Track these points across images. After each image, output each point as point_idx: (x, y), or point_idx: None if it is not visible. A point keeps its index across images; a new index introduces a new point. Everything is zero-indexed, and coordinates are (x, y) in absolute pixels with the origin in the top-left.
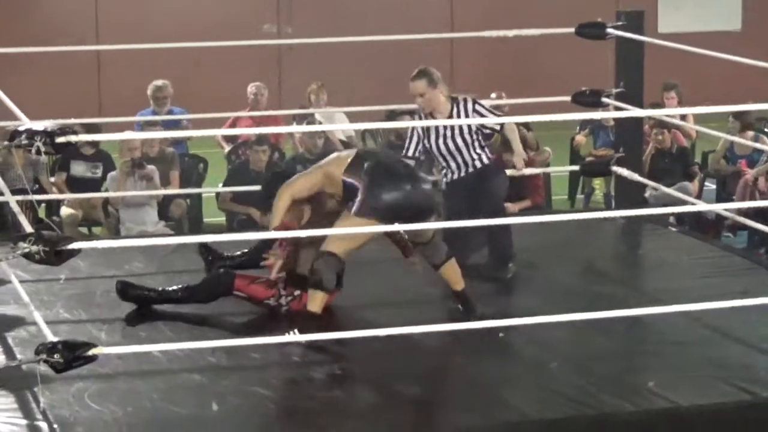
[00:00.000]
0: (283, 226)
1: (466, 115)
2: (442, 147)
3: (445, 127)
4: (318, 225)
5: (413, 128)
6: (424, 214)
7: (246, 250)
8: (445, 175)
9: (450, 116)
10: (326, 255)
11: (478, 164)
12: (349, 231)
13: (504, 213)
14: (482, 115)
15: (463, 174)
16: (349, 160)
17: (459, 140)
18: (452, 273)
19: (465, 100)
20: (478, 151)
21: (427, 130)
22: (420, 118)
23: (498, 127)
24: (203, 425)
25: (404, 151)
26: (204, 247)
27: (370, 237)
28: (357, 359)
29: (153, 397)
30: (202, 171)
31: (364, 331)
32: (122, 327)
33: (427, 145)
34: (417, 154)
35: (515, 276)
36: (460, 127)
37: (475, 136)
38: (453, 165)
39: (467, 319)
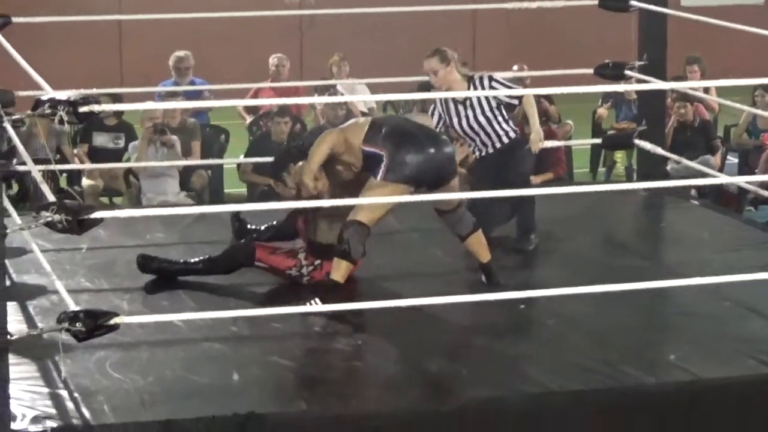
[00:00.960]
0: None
1: (481, 100)
2: (466, 127)
3: (465, 109)
4: (334, 195)
5: (434, 108)
6: (449, 176)
7: (273, 223)
8: (474, 152)
9: (466, 98)
10: (356, 224)
11: (505, 139)
12: (379, 200)
13: (528, 186)
14: (497, 86)
15: (490, 151)
16: (366, 128)
17: (482, 118)
18: (478, 245)
19: (481, 78)
20: (503, 126)
21: (447, 112)
22: (438, 104)
23: (516, 101)
24: (224, 395)
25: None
26: (236, 217)
27: (395, 204)
28: (378, 330)
29: (174, 367)
30: (223, 142)
31: (385, 302)
32: (144, 296)
33: (450, 126)
34: (440, 127)
35: (537, 248)
36: (481, 106)
37: (497, 112)
38: (479, 142)
39: (463, 290)
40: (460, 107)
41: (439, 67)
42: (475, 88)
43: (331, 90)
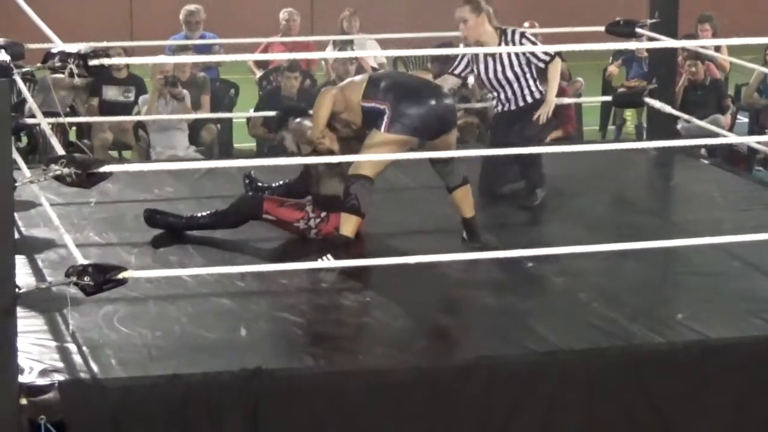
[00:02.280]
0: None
1: (510, 55)
2: (493, 79)
3: (494, 60)
4: (326, 153)
5: (463, 55)
6: (449, 126)
7: (285, 181)
8: (495, 105)
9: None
10: (361, 179)
11: (529, 99)
12: (386, 156)
13: (536, 141)
14: (528, 44)
15: (513, 107)
16: (364, 84)
17: (510, 73)
18: (464, 199)
19: (513, 32)
20: (531, 84)
21: (476, 60)
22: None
23: (546, 58)
24: (232, 350)
25: (451, 69)
26: (248, 178)
27: (402, 158)
28: (386, 286)
29: (182, 321)
30: (233, 96)
31: (393, 259)
32: (152, 251)
33: (475, 73)
34: (464, 75)
35: (546, 206)
36: (510, 61)
37: (526, 68)
38: (503, 96)
39: (469, 248)
40: (489, 58)
41: (470, 16)
42: (506, 43)
43: (341, 45)
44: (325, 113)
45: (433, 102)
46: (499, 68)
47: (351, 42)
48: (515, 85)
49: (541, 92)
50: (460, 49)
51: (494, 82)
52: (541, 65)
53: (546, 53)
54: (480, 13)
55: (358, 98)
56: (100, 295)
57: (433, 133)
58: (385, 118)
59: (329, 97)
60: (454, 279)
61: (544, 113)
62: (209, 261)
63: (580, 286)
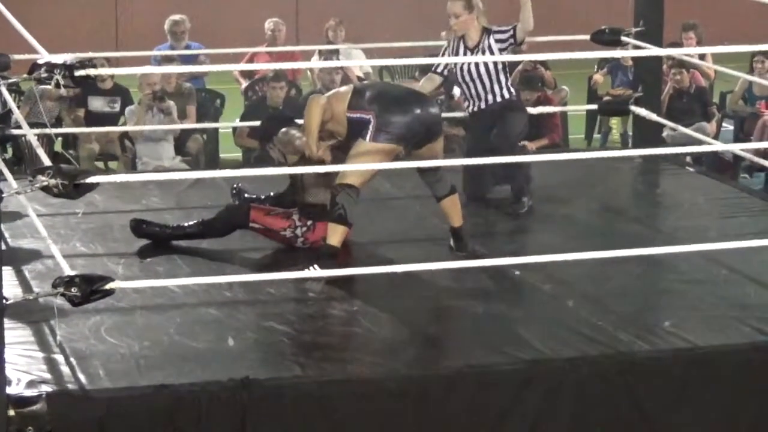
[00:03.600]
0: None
1: (491, 48)
2: (465, 71)
3: (469, 53)
4: (315, 162)
5: (445, 48)
6: (435, 135)
7: (278, 192)
8: (468, 105)
9: (477, 45)
10: (347, 188)
11: (498, 97)
12: (370, 166)
13: (516, 149)
14: (498, 36)
15: (483, 105)
16: (349, 95)
17: (481, 66)
18: (452, 208)
19: (491, 31)
20: (501, 82)
21: (455, 53)
22: (449, 45)
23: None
24: (219, 360)
25: (434, 68)
26: (236, 189)
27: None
28: (374, 295)
29: (169, 332)
30: (219, 106)
31: (381, 268)
32: (139, 261)
33: (455, 68)
34: (446, 73)
35: (532, 213)
36: (483, 53)
37: (499, 66)
38: (473, 91)
39: (457, 256)
40: (468, 53)
41: (462, 12)
42: (487, 40)
43: (326, 55)
44: (316, 121)
45: (418, 110)
46: (471, 62)
47: (337, 51)
48: (486, 80)
49: (511, 92)
50: (444, 59)
51: (466, 76)
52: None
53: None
54: (472, 10)
55: (344, 109)
56: (87, 305)
57: (419, 141)
58: (371, 127)
59: (319, 105)
60: (442, 287)
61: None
62: (196, 271)
63: (568, 294)
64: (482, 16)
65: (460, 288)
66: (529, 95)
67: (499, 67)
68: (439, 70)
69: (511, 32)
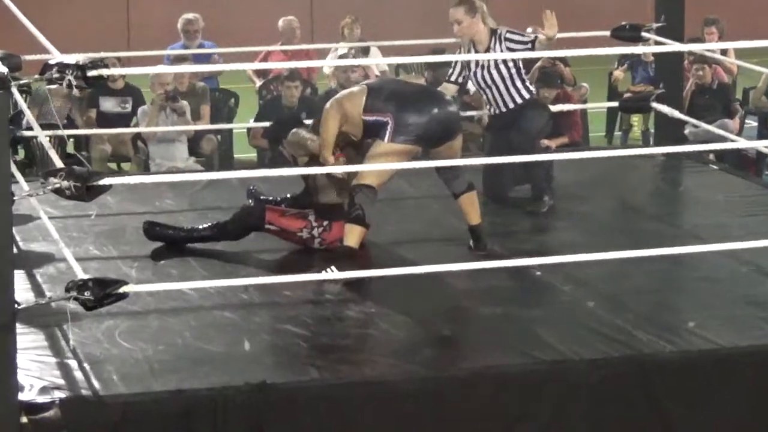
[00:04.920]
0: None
1: (501, 48)
2: (480, 78)
3: (485, 60)
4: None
5: (458, 53)
6: (453, 133)
7: (294, 193)
8: (488, 108)
9: (488, 48)
10: (365, 188)
11: (518, 99)
12: (389, 166)
13: (537, 147)
14: (511, 45)
15: (503, 109)
16: (364, 97)
17: (494, 73)
18: (470, 205)
19: (501, 32)
20: (518, 84)
21: (468, 62)
22: (461, 52)
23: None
24: (235, 363)
25: (447, 77)
26: (251, 191)
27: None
28: (391, 297)
29: (184, 335)
30: (233, 106)
31: (399, 269)
32: (153, 264)
33: (468, 75)
34: (460, 80)
35: (553, 212)
36: (496, 60)
37: (513, 69)
38: (490, 97)
39: (475, 256)
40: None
41: (464, 18)
42: (497, 42)
43: (342, 53)
44: (332, 132)
45: (435, 110)
46: (484, 65)
47: (364, 49)
48: (501, 86)
49: (530, 91)
50: (462, 56)
51: (481, 82)
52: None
53: (523, 43)
54: (475, 14)
55: (359, 111)
56: (100, 309)
57: (437, 141)
58: (389, 128)
59: (334, 111)
60: (460, 288)
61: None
62: (211, 273)
63: (588, 294)
64: (488, 18)
65: (478, 288)
66: (548, 93)
67: (513, 71)
68: (452, 78)
69: (530, 46)
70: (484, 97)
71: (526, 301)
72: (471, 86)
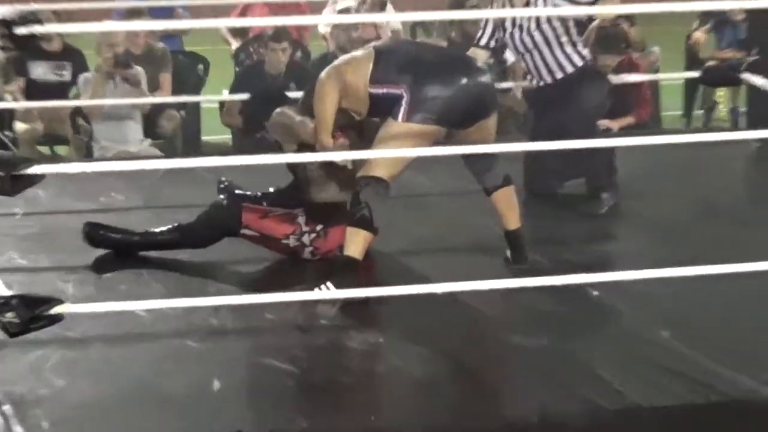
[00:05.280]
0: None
1: (545, 2)
2: (518, 41)
3: (522, 18)
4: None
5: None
6: (485, 111)
7: (279, 188)
8: (531, 80)
9: (527, 3)
10: (374, 181)
11: (568, 68)
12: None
13: (594, 130)
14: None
15: (549, 80)
16: (371, 64)
17: (537, 34)
18: (507, 204)
19: None
20: (568, 49)
21: (502, 18)
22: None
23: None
24: (202, 408)
25: (476, 40)
26: (223, 184)
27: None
28: (405, 323)
29: (135, 371)
30: (201, 74)
31: (414, 287)
32: (96, 277)
33: (504, 37)
34: (493, 44)
35: (614, 214)
36: (539, 18)
37: (561, 30)
38: (531, 65)
39: (514, 270)
40: (519, 18)
41: None
42: None
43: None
44: (331, 109)
45: (463, 80)
46: (524, 29)
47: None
48: (545, 51)
49: (585, 58)
50: (495, 12)
51: (520, 46)
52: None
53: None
54: None
55: (365, 82)
56: (27, 336)
57: (465, 120)
58: (403, 104)
59: (333, 87)
60: (494, 312)
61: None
62: (170, 290)
63: (660, 321)
64: None
65: (517, 313)
66: (608, 60)
67: (562, 32)
68: (482, 42)
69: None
70: (524, 64)
71: (580, 330)
72: (509, 54)
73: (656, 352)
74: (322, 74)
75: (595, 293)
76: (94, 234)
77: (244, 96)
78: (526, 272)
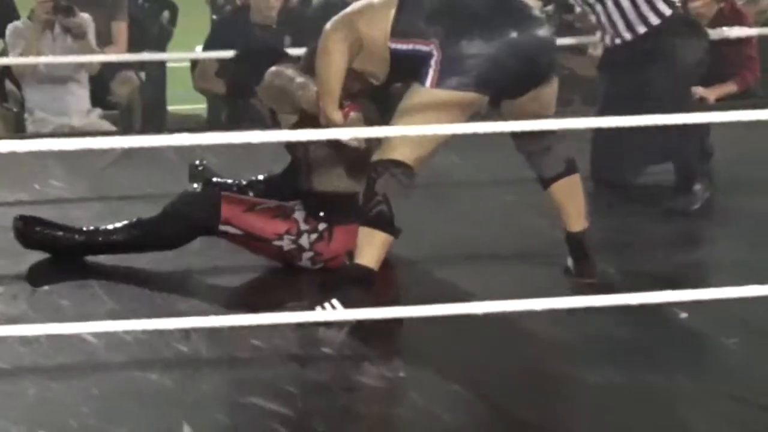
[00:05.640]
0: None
1: None
2: None
3: None
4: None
5: None
6: (541, 76)
7: (269, 174)
8: (602, 37)
9: None
10: (393, 166)
11: (652, 19)
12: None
13: (683, 101)
14: None
15: (627, 36)
16: (392, 12)
17: None
18: (569, 198)
19: None
20: None
21: None
22: None
23: None
24: None
25: None
26: (197, 168)
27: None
28: (430, 352)
29: (82, 412)
30: (166, 23)
31: (443, 306)
32: (30, 290)
33: None
34: None
35: (709, 211)
36: None
37: None
38: (603, 17)
39: (576, 284)
40: None
41: None
42: None
43: None
44: (338, 72)
45: (513, 33)
46: None
47: None
48: None
49: (673, 5)
50: None
51: None
52: None
53: None
54: None
55: (384, 35)
56: None
57: (516, 87)
58: (432, 63)
59: (342, 42)
60: (550, 339)
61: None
62: (127, 308)
63: (763, 350)
64: None
65: (579, 339)
66: (702, 7)
67: None
68: None
69: None
70: (595, 17)
71: (663, 362)
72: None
73: (756, 387)
74: (328, 25)
75: (683, 315)
76: (27, 231)
77: (224, 53)
78: (592, 288)
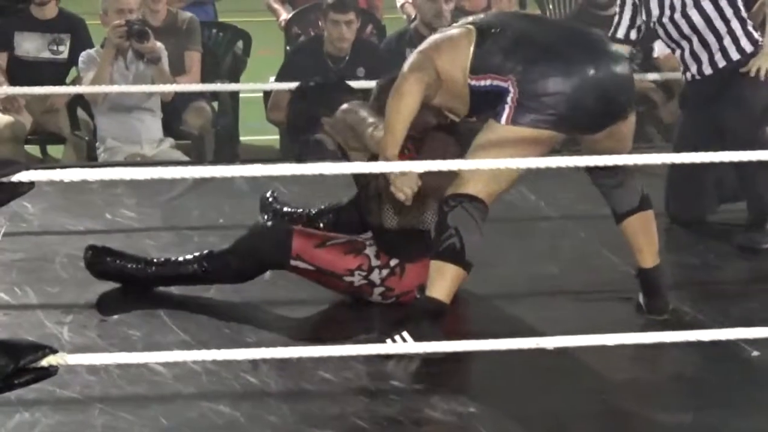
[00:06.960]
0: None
1: None
2: (671, 26)
3: None
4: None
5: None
6: (619, 113)
7: (341, 203)
8: (683, 70)
9: None
10: (466, 200)
11: (734, 54)
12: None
13: (764, 140)
14: None
15: (709, 71)
16: (471, 48)
17: (694, 13)
18: (642, 234)
19: None
20: (736, 27)
21: None
22: None
23: None
24: None
25: (612, 32)
26: (268, 199)
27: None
28: (504, 388)
29: None
30: (240, 53)
31: (517, 340)
32: (99, 319)
33: (648, 21)
34: (633, 35)
35: None
36: None
37: (726, 5)
38: (687, 53)
39: (650, 321)
40: None
41: None
42: None
43: None
44: (407, 117)
45: (591, 70)
46: (676, 5)
47: None
48: (707, 33)
49: (755, 41)
50: None
51: (674, 33)
52: None
53: None
54: None
55: (464, 72)
56: (8, 394)
57: (593, 124)
58: (509, 100)
59: (420, 84)
60: (622, 376)
61: (763, 67)
62: (196, 339)
63: None
64: None
65: (652, 378)
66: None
67: (728, 8)
68: (620, 33)
69: None
70: (679, 54)
71: (735, 402)
72: (659, 45)
73: None
74: (406, 65)
75: (755, 353)
76: (97, 262)
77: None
78: (664, 324)
